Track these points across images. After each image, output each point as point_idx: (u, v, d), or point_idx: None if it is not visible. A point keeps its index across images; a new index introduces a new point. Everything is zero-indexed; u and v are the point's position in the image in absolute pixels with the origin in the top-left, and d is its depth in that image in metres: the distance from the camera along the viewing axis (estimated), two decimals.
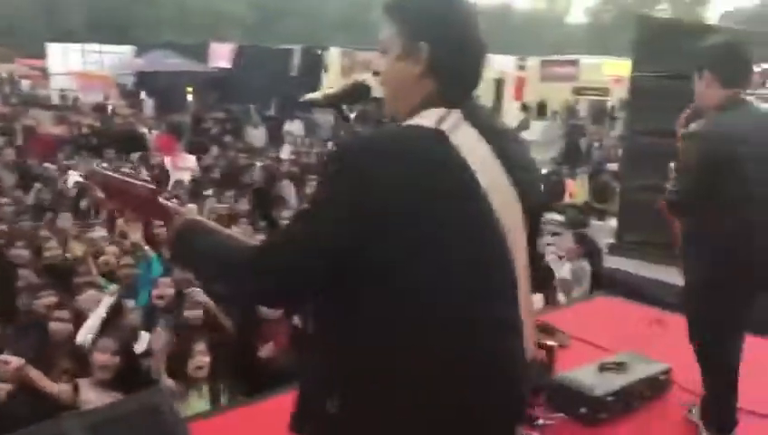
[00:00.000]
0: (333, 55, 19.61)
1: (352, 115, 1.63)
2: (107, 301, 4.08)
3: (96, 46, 26.95)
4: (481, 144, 1.23)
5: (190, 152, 11.81)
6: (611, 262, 5.34)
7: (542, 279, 4.73)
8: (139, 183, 1.36)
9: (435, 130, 1.21)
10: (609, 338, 3.87)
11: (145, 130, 14.71)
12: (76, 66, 25.15)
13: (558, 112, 19.90)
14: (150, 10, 46.19)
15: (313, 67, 19.14)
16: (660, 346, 3.94)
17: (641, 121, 5.29)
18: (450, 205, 1.17)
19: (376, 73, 1.36)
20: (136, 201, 1.36)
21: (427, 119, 1.24)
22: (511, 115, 21.98)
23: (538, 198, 1.34)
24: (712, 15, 51.87)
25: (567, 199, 10.01)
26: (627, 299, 4.63)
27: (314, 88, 18.93)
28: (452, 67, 1.29)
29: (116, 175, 1.37)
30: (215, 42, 24.05)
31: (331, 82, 19.34)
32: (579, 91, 22.27)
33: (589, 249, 5.44)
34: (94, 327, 3.88)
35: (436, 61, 1.27)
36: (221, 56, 21.94)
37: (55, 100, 23.03)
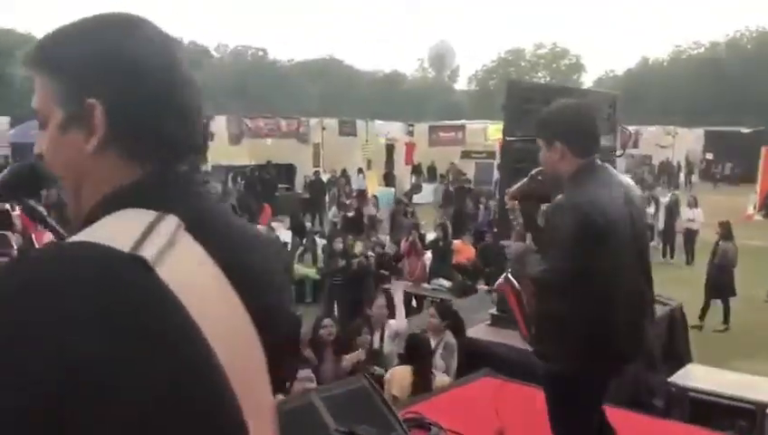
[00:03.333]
0: (219, 123, 19.10)
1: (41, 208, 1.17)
2: None
3: None
4: (205, 267, 0.80)
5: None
6: (487, 333, 5.07)
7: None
8: None
9: (131, 259, 0.72)
10: (489, 428, 3.51)
11: (8, 207, 13.49)
12: None
13: (444, 176, 20.25)
14: (30, 78, 44.05)
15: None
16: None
17: (512, 186, 5.13)
18: (161, 384, 0.70)
19: (40, 157, 0.90)
20: None
21: (120, 232, 0.76)
22: (403, 179, 22.28)
23: (283, 328, 0.92)
24: (586, 81, 56.17)
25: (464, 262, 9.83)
26: (511, 378, 4.32)
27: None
28: (150, 132, 0.84)
29: None
30: None
31: (218, 151, 18.81)
32: (466, 155, 22.90)
33: (453, 322, 5.14)
34: None
35: (118, 125, 0.83)
36: None
37: None
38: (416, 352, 4.46)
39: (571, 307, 2.43)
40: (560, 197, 2.49)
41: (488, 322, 5.37)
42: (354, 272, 8.31)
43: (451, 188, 17.78)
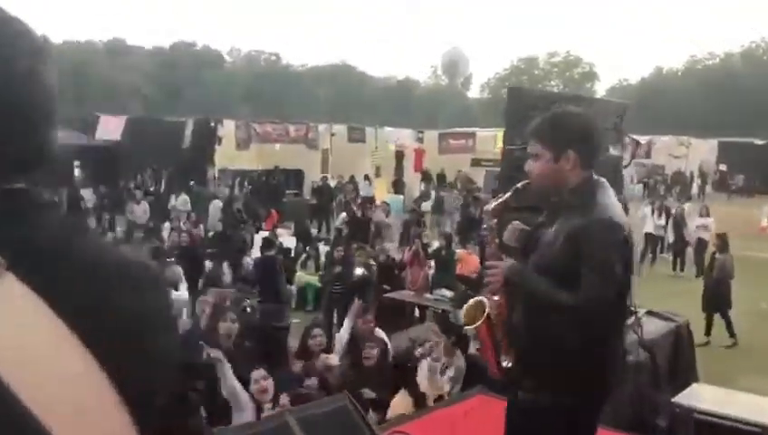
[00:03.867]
0: (228, 127, 19.05)
1: None
2: None
3: None
4: (28, 312, 0.65)
5: None
6: None
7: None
8: None
9: None
10: None
11: None
12: None
13: (451, 183, 20.06)
14: None
15: (207, 139, 18.50)
16: None
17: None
18: None
19: None
20: None
21: None
22: (413, 186, 22.11)
23: (154, 375, 0.73)
24: (599, 89, 55.83)
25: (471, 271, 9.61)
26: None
27: (206, 160, 18.47)
28: None
29: None
30: (107, 114, 22.98)
31: (225, 155, 18.76)
32: (476, 162, 22.69)
33: (456, 335, 4.97)
34: None
35: None
36: (111, 129, 20.85)
37: None
38: (401, 375, 4.33)
39: (582, 333, 2.17)
40: (580, 215, 2.20)
41: None
42: (354, 283, 8.15)
43: (441, 194, 17.64)
